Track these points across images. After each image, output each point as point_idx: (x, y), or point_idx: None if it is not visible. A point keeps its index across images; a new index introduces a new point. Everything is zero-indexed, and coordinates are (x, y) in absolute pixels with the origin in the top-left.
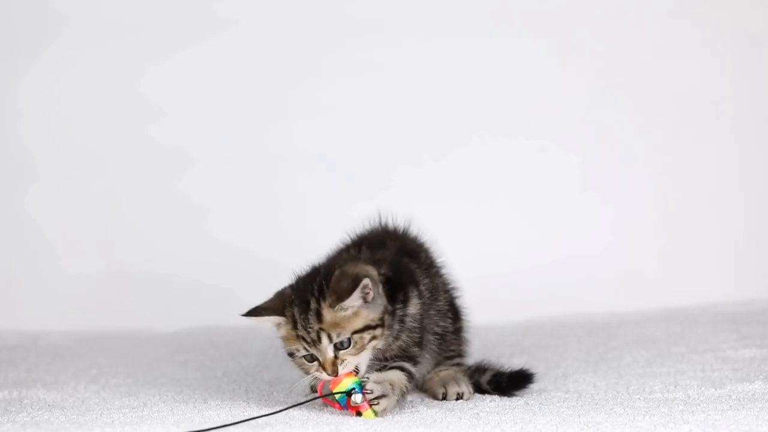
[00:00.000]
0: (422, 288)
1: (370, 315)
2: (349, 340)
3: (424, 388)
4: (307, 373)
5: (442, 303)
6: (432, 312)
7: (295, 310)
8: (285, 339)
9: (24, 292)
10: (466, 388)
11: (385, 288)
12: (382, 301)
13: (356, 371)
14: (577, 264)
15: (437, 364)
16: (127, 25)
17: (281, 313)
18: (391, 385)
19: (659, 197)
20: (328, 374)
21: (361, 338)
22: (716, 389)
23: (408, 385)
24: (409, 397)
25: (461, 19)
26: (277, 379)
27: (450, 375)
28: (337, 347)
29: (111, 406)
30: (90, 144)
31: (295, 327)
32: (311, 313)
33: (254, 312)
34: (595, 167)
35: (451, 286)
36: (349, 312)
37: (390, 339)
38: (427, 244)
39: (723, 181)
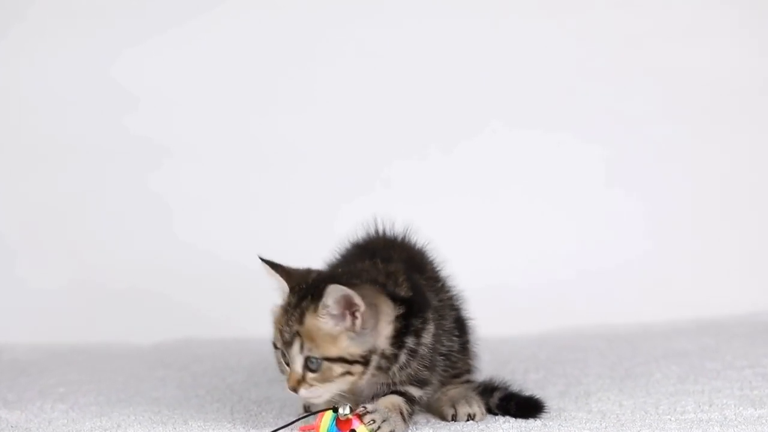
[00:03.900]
0: (432, 310)
1: (350, 348)
2: (320, 364)
3: (431, 409)
4: (282, 373)
5: (448, 322)
6: (439, 332)
7: (292, 300)
8: (274, 322)
9: None
10: (477, 408)
11: (400, 320)
12: (373, 341)
13: (334, 409)
14: (599, 270)
15: (443, 384)
16: (99, 3)
17: (291, 287)
18: (387, 408)
19: (692, 195)
20: (289, 387)
21: (330, 368)
22: (756, 409)
23: (408, 407)
24: (414, 418)
25: None
26: (266, 398)
27: (460, 394)
28: (308, 367)
29: (81, 428)
30: (56, 135)
31: (283, 315)
32: (298, 310)
33: (274, 264)
34: (620, 162)
35: (457, 300)
36: (326, 328)
37: (394, 371)
38: (431, 254)
39: (762, 176)
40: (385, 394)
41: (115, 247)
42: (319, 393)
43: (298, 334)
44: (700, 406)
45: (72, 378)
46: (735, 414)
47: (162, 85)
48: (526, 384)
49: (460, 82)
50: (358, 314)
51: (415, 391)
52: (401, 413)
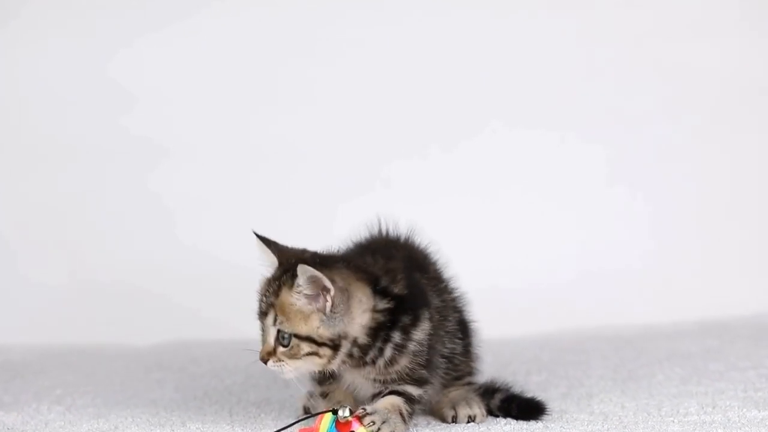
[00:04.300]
0: (432, 311)
1: (320, 329)
2: (290, 339)
3: (432, 411)
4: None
5: (451, 324)
6: (441, 333)
7: (276, 273)
8: (257, 292)
9: None
10: (478, 410)
11: (386, 314)
12: (344, 326)
13: (334, 411)
14: (601, 271)
15: (445, 386)
16: (97, 2)
17: (279, 262)
18: (386, 409)
19: (695, 195)
20: (259, 357)
21: (298, 346)
22: (759, 411)
23: (407, 408)
24: (414, 420)
25: None
26: (265, 399)
27: (461, 395)
28: (280, 341)
29: (78, 430)
30: (53, 135)
31: (265, 286)
32: (276, 283)
33: (267, 240)
34: (623, 162)
35: (459, 302)
36: (299, 305)
37: (380, 365)
38: (435, 255)
39: (767, 176)
40: (383, 395)
41: (112, 248)
42: (286, 369)
43: (272, 306)
44: (703, 408)
45: (69, 379)
46: (738, 416)
47: (160, 84)
48: (527, 386)
49: (461, 81)
50: (328, 297)
51: (413, 390)
52: (401, 414)
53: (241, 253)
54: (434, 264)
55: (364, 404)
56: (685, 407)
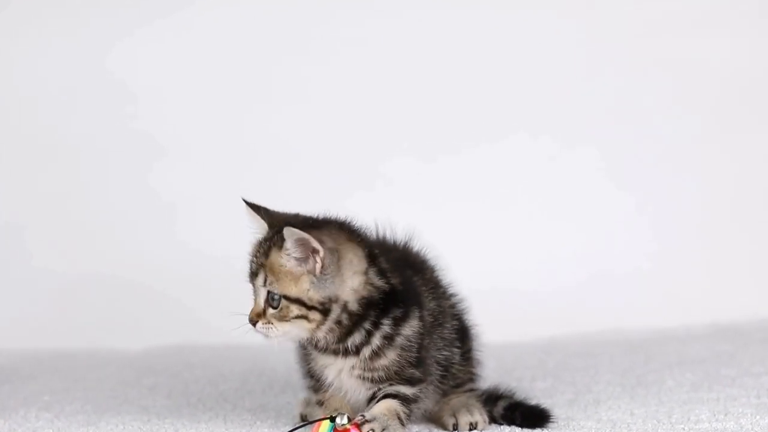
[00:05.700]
0: (425, 313)
1: (311, 291)
2: (279, 301)
3: (433, 419)
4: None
5: (448, 330)
6: (435, 337)
7: (267, 234)
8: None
9: None
10: (480, 416)
11: (381, 293)
12: (335, 288)
13: (332, 419)
14: (609, 273)
15: (445, 394)
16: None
17: (269, 224)
18: (384, 415)
19: (703, 197)
20: (248, 318)
21: (288, 307)
22: None
23: (404, 410)
24: (415, 428)
25: None
26: (261, 406)
27: (462, 402)
28: (270, 303)
29: None
30: (47, 131)
31: (256, 247)
32: (267, 244)
33: (256, 206)
34: (628, 163)
35: (459, 308)
36: (289, 266)
37: (364, 354)
38: (434, 260)
39: None
40: (378, 399)
41: (103, 249)
42: (275, 332)
43: (263, 266)
44: (715, 415)
45: (58, 386)
46: (752, 423)
47: (154, 83)
48: (532, 392)
49: (458, 81)
50: (317, 258)
51: (407, 390)
52: (399, 417)
53: (235, 255)
54: (432, 269)
55: (361, 411)
56: (696, 414)
